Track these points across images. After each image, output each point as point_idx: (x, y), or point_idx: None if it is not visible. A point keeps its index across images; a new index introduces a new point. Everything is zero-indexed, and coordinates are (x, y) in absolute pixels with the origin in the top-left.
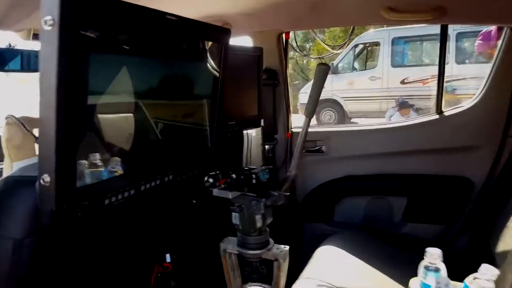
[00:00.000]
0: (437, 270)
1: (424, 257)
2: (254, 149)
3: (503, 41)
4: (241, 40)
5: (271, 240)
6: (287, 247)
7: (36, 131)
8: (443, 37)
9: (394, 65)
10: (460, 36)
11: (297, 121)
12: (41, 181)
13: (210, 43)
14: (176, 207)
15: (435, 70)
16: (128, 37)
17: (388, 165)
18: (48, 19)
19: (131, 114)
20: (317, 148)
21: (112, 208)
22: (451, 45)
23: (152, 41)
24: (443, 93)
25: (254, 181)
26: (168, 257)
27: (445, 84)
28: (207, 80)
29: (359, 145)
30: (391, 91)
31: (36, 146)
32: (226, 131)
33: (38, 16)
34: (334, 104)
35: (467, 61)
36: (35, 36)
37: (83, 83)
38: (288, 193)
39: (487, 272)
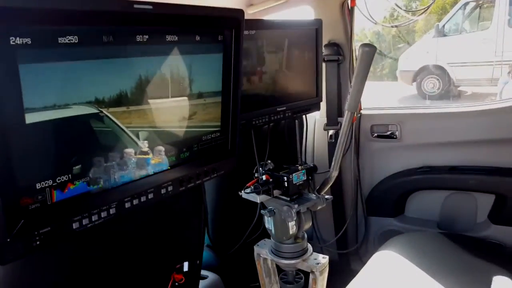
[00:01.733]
0: None
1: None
2: (319, 134)
3: None
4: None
5: (309, 248)
6: (326, 258)
7: None
8: None
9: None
10: None
11: (396, 90)
12: None
13: (210, 31)
14: (199, 209)
15: None
16: (79, 39)
17: (474, 156)
18: None
19: (94, 127)
20: (389, 133)
21: (84, 231)
22: None
23: (115, 40)
24: None
25: (286, 184)
26: (186, 266)
27: None
28: (213, 75)
29: (439, 131)
30: (506, 55)
31: None
32: (275, 118)
33: None
34: (438, 70)
35: None
36: None
37: (14, 100)
38: (330, 196)
39: None
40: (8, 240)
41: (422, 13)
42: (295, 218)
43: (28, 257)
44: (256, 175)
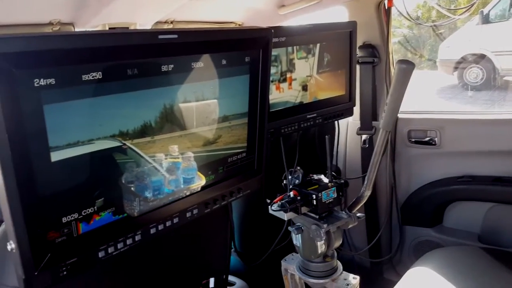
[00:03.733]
0: None
1: None
2: (351, 137)
3: None
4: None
5: (339, 267)
6: (357, 278)
7: None
8: None
9: None
10: None
11: (435, 79)
12: (9, 247)
13: (236, 54)
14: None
15: None
16: (104, 75)
17: None
18: None
19: (118, 159)
20: (427, 139)
21: (109, 259)
22: None
23: (141, 72)
24: None
25: (314, 202)
26: (212, 282)
27: None
28: (239, 97)
29: (483, 139)
30: None
31: None
32: (304, 125)
33: (112, 8)
34: (482, 59)
35: None
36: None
37: (39, 139)
38: (362, 214)
39: None
40: (36, 273)
41: (464, 12)
42: (324, 238)
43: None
44: (284, 182)
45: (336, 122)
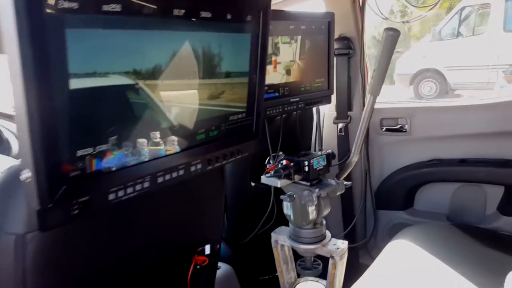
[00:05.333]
0: None
1: None
2: (327, 128)
3: None
4: (311, 5)
5: (328, 234)
6: (346, 243)
7: None
8: None
9: (507, 29)
10: None
11: (392, 94)
12: (23, 177)
13: (242, 9)
14: (220, 193)
15: None
16: (122, 7)
17: (483, 148)
18: None
19: (130, 99)
20: (398, 126)
21: (120, 203)
22: None
23: (154, 11)
24: None
25: (306, 168)
26: (207, 248)
27: None
28: (241, 55)
29: (449, 124)
30: (502, 59)
31: None
32: (288, 109)
33: None
34: (435, 74)
35: None
36: None
37: (59, 65)
38: (349, 182)
39: None
40: (51, 205)
41: (430, 9)
42: (315, 203)
43: (61, 230)
44: (268, 166)
45: (315, 110)
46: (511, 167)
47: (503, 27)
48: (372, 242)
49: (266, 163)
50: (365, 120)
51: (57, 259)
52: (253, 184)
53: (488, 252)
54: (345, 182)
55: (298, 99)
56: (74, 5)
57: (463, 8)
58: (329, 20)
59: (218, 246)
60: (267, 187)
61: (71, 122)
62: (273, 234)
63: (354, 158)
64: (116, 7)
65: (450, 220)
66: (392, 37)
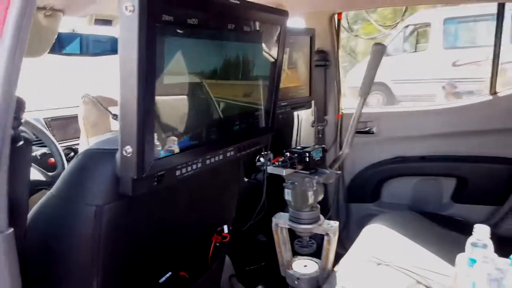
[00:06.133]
0: (484, 246)
1: (472, 233)
2: (305, 130)
3: None
4: (292, 22)
5: (321, 216)
6: (337, 223)
7: (111, 109)
8: (500, 16)
9: (445, 46)
10: None
11: (344, 104)
12: (124, 152)
13: (268, 25)
14: (232, 184)
15: (488, 51)
16: (198, 22)
17: (439, 147)
18: (128, 5)
19: (197, 94)
20: (367, 129)
21: (181, 179)
22: (508, 26)
23: (217, 24)
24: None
25: (307, 159)
26: (225, 228)
27: (500, 67)
28: (265, 62)
29: (410, 127)
30: (442, 74)
31: (112, 122)
32: (279, 111)
33: (101, 2)
34: (382, 87)
35: None
36: (97, 22)
37: (159, 64)
38: (339, 172)
39: None
40: (143, 176)
41: (392, 28)
42: (314, 188)
43: (126, 205)
44: (257, 164)
45: (296, 114)
46: (462, 162)
47: (442, 45)
48: (345, 233)
49: (256, 160)
50: (356, 116)
51: (123, 228)
52: (246, 179)
53: (444, 233)
54: (337, 172)
55: (286, 103)
56: (171, 18)
57: (406, 26)
58: (311, 35)
59: (231, 227)
60: (258, 182)
61: (162, 110)
62: (274, 219)
63: (346, 150)
64: (195, 21)
65: (412, 209)
66: (380, 50)
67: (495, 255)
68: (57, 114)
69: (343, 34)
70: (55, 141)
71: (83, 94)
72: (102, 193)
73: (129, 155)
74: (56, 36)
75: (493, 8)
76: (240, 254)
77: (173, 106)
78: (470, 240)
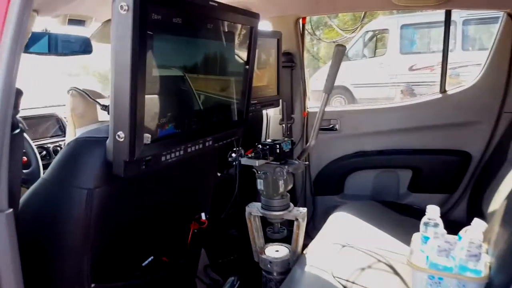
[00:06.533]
0: (435, 225)
1: (425, 213)
2: (273, 128)
3: (500, 25)
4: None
5: (291, 204)
6: (305, 209)
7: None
8: (447, 21)
9: (402, 52)
10: (466, 22)
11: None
12: (116, 137)
13: (242, 26)
14: (208, 175)
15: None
16: (181, 21)
17: (395, 141)
18: (123, 4)
19: (180, 86)
20: (331, 126)
21: (165, 164)
22: (457, 32)
23: (198, 24)
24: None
25: (278, 150)
26: (203, 215)
27: (451, 71)
28: (239, 59)
29: (370, 123)
30: (399, 78)
31: (99, 112)
32: (250, 109)
33: (75, 2)
34: (344, 90)
35: (470, 48)
36: (70, 22)
37: (149, 58)
38: (307, 162)
39: (477, 225)
40: (134, 159)
41: (352, 32)
42: (284, 177)
43: (115, 189)
44: (230, 159)
45: (265, 113)
46: (417, 154)
47: (399, 50)
48: (312, 224)
49: (228, 156)
50: (321, 111)
51: (111, 212)
52: (219, 174)
53: (402, 220)
54: (305, 162)
55: (256, 101)
56: (159, 17)
57: (366, 32)
58: (278, 38)
59: (207, 216)
60: (230, 176)
61: (150, 100)
62: (247, 208)
63: (313, 142)
64: (179, 20)
65: (373, 200)
66: (341, 50)
67: (445, 231)
68: (25, 114)
69: (308, 38)
70: (29, 139)
71: (69, 88)
72: (93, 178)
73: (121, 140)
74: (30, 36)
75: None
76: (213, 247)
77: (159, 97)
78: (423, 220)
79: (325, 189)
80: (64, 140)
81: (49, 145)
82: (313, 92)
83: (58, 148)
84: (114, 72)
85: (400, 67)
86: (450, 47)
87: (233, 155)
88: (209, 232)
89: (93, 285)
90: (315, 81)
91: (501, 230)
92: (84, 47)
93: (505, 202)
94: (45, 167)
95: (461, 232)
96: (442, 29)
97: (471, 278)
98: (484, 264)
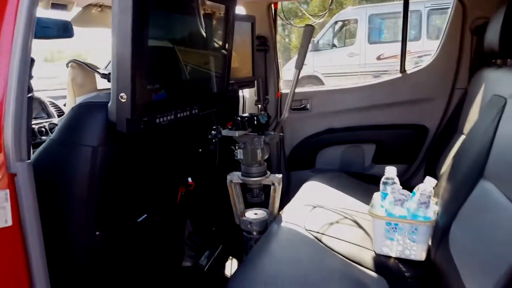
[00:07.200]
0: (393, 183)
1: (384, 174)
2: (249, 108)
3: (451, 10)
4: None
5: (267, 171)
6: (281, 175)
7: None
8: (406, 9)
9: (370, 41)
10: (431, 12)
11: None
12: (119, 98)
13: (221, 5)
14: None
15: (409, 46)
16: None
17: (361, 118)
18: None
19: (170, 57)
20: (302, 106)
21: (159, 126)
22: (423, 21)
23: (185, 1)
24: None
25: (255, 122)
26: (189, 179)
27: (417, 58)
28: (219, 37)
29: (338, 102)
30: (368, 67)
31: (99, 81)
32: (229, 88)
33: None
34: (315, 80)
35: (434, 36)
36: (53, 6)
37: (145, 30)
38: (281, 134)
39: (429, 181)
40: (135, 117)
41: (321, 17)
42: (262, 146)
43: (116, 148)
44: (209, 136)
45: (242, 95)
46: (379, 129)
47: (367, 40)
48: (286, 197)
49: (208, 134)
50: (293, 85)
51: (114, 168)
52: (200, 150)
53: (367, 187)
54: (280, 134)
55: (233, 81)
56: None
57: (336, 22)
58: (252, 22)
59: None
60: (210, 152)
61: (147, 67)
62: (228, 176)
63: (286, 114)
64: None
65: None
66: (310, 30)
67: (401, 187)
68: None
69: (280, 28)
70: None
71: (68, 61)
72: (97, 136)
73: (124, 101)
74: None
75: (412, 5)
76: (197, 219)
77: (153, 65)
78: (382, 179)
79: (298, 165)
80: (48, 121)
81: (34, 126)
82: (285, 82)
83: (43, 129)
84: (116, 41)
85: (369, 56)
86: (416, 36)
87: (213, 132)
88: (193, 205)
89: (97, 232)
90: (287, 71)
91: (447, 184)
92: (65, 31)
93: (451, 162)
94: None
95: (415, 189)
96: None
97: (421, 222)
98: (433, 212)
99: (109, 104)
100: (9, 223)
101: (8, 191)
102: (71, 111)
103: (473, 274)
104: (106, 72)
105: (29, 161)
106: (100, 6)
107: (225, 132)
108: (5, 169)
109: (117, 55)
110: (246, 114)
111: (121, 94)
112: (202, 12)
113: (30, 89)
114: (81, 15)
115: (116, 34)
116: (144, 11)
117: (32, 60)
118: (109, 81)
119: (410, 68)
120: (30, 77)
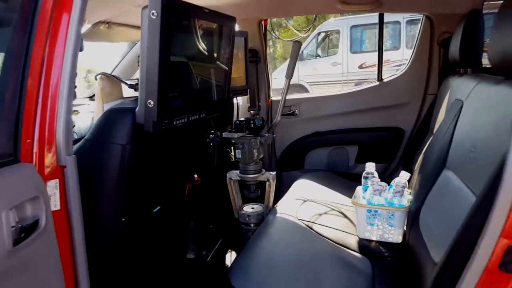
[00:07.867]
0: (373, 177)
1: (365, 169)
2: (242, 114)
3: (421, 25)
4: None
5: (263, 169)
6: (274, 172)
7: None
8: (381, 22)
9: (352, 51)
10: (409, 23)
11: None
12: (148, 104)
13: (223, 26)
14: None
15: (389, 55)
16: (187, 22)
17: (345, 122)
18: (154, 12)
19: (185, 69)
20: (291, 112)
21: (175, 128)
22: (402, 31)
23: (197, 24)
24: None
25: (252, 125)
26: (195, 176)
27: (397, 67)
28: (223, 51)
29: (324, 108)
30: (350, 76)
31: (125, 90)
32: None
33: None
34: (300, 88)
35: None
36: None
37: (168, 48)
38: (274, 135)
39: (402, 174)
40: (160, 119)
41: (307, 31)
42: (258, 147)
43: (139, 146)
44: (208, 140)
45: (235, 101)
46: (361, 132)
47: (349, 49)
48: (278, 196)
49: (206, 138)
50: (284, 92)
51: (136, 164)
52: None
53: (351, 184)
54: (273, 135)
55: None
56: (174, 20)
57: (319, 33)
58: (245, 37)
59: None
60: (209, 155)
61: (169, 78)
62: (228, 174)
63: (278, 118)
64: (186, 22)
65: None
66: (298, 45)
67: (379, 180)
68: None
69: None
70: None
71: (97, 74)
72: (125, 136)
73: (151, 106)
74: None
75: (392, 16)
76: (197, 218)
77: (174, 77)
78: (363, 174)
79: (288, 166)
80: None
81: None
82: (273, 91)
83: None
84: (146, 58)
85: (351, 65)
86: (395, 45)
87: (211, 136)
88: (194, 206)
89: (123, 219)
90: (273, 80)
91: (418, 176)
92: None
93: (422, 157)
94: None
95: (392, 182)
96: (388, 29)
97: (397, 208)
98: (407, 200)
99: (137, 109)
100: (58, 207)
101: (58, 180)
102: (103, 115)
103: (435, 245)
104: (133, 83)
105: (74, 155)
106: (108, 23)
107: (225, 134)
108: (56, 162)
109: (146, 69)
110: (243, 118)
111: (149, 101)
112: (209, 32)
113: (75, 95)
114: (91, 31)
115: (145, 52)
116: (168, 34)
117: (75, 73)
118: (136, 90)
119: (389, 75)
120: (75, 86)
